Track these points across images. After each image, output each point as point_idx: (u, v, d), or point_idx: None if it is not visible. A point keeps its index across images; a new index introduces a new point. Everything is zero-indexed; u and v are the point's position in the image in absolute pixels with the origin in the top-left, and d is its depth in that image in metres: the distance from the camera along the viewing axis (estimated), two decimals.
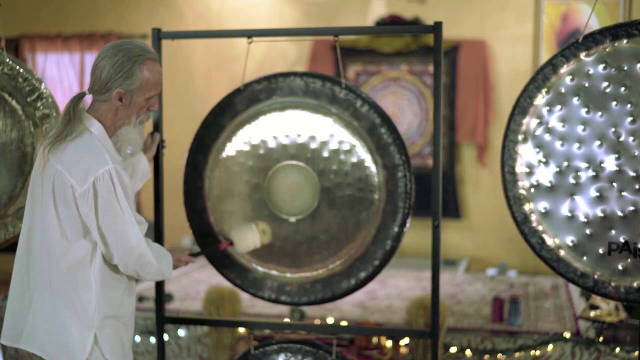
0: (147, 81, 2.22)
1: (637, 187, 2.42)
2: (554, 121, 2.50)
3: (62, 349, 2.19)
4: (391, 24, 6.10)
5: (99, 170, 2.12)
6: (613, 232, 2.45)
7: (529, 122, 2.52)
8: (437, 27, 2.55)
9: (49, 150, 2.16)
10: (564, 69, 2.48)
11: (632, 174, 2.42)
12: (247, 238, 2.70)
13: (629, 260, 2.44)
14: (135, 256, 2.20)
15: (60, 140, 2.16)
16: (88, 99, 2.27)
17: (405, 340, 3.81)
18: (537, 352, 3.69)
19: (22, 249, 2.27)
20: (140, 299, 4.41)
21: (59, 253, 2.17)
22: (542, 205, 2.52)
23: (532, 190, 2.53)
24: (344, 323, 3.96)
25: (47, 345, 2.21)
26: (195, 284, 4.99)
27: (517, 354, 3.69)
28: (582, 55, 2.46)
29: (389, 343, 3.78)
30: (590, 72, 2.45)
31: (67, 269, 2.17)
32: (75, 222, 2.16)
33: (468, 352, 3.76)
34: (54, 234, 2.17)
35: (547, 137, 2.51)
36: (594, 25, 5.26)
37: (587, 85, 2.45)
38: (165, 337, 3.89)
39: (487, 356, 3.73)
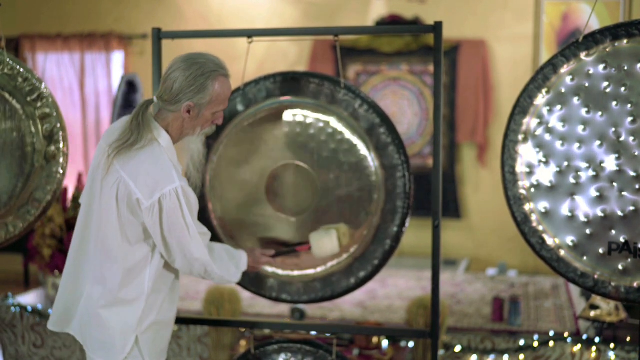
0: (217, 97, 2.23)
1: (637, 187, 2.42)
2: (554, 121, 2.49)
3: (102, 345, 2.25)
4: (391, 24, 6.10)
5: (165, 188, 2.14)
6: (613, 232, 2.45)
7: (529, 122, 2.52)
8: (437, 27, 2.55)
9: (114, 156, 2.17)
10: (564, 69, 2.48)
11: (632, 173, 2.42)
12: (325, 244, 2.63)
13: (629, 260, 2.43)
14: (198, 266, 2.28)
15: (128, 147, 2.17)
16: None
17: (405, 340, 3.81)
18: (537, 352, 3.69)
19: (77, 241, 2.30)
20: None
21: (120, 256, 2.21)
22: (543, 205, 2.52)
23: (533, 190, 2.53)
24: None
25: (88, 338, 2.27)
26: (195, 284, 5.00)
27: (517, 354, 3.69)
28: (583, 55, 2.46)
29: (389, 343, 3.78)
30: (591, 72, 2.45)
31: (124, 271, 2.22)
32: (136, 227, 2.20)
33: (468, 352, 3.76)
34: (114, 236, 2.20)
35: (547, 137, 2.50)
36: (594, 25, 5.26)
37: (587, 85, 2.45)
38: None
39: (487, 356, 3.73)
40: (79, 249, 2.29)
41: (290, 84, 2.72)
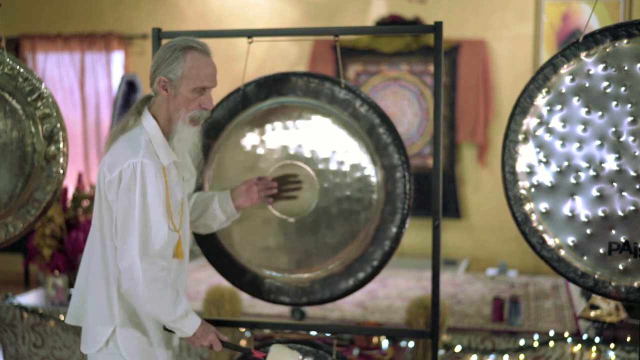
0: (189, 70, 2.21)
1: (637, 187, 2.41)
2: (554, 121, 2.49)
3: (86, 335, 2.30)
4: (391, 24, 6.10)
5: (126, 162, 2.15)
6: (613, 232, 2.45)
7: (530, 122, 2.52)
8: (437, 27, 2.54)
9: (109, 142, 2.25)
10: (564, 69, 2.48)
11: (632, 173, 2.42)
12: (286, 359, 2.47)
13: (630, 260, 2.43)
14: (127, 262, 2.15)
15: (118, 133, 2.24)
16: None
17: (405, 340, 3.81)
18: (537, 352, 3.69)
19: (90, 234, 2.33)
20: None
21: (98, 245, 2.25)
22: (543, 205, 2.52)
23: (533, 190, 2.53)
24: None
25: (83, 329, 2.33)
26: (196, 284, 4.99)
27: (517, 354, 3.69)
28: (583, 55, 2.46)
29: (389, 343, 3.78)
30: (591, 72, 2.45)
31: (101, 261, 2.24)
32: (110, 219, 2.21)
33: (468, 352, 3.76)
34: (95, 226, 2.25)
35: (547, 137, 2.50)
36: (595, 25, 5.26)
37: (587, 85, 2.45)
38: None
39: (487, 356, 3.73)
40: (90, 243, 2.33)
41: (290, 84, 2.72)
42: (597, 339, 3.64)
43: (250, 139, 2.76)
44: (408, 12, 6.17)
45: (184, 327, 2.22)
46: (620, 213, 2.43)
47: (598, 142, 2.45)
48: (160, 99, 2.26)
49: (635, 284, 2.44)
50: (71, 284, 4.46)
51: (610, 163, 2.44)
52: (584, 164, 2.46)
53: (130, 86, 5.19)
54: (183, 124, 2.25)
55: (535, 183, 2.52)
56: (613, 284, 2.46)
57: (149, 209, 2.16)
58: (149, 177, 2.15)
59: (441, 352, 3.75)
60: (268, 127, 2.75)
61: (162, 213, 2.18)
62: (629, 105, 2.41)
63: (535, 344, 3.69)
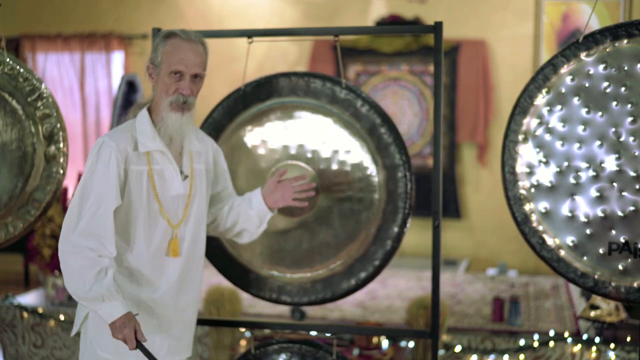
0: (167, 54, 2.24)
1: (637, 187, 2.41)
2: (554, 121, 2.49)
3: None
4: (391, 24, 6.10)
5: (99, 141, 2.22)
6: (613, 232, 2.45)
7: (530, 122, 2.52)
8: (437, 27, 2.55)
9: None
10: (564, 69, 2.48)
11: (632, 174, 2.42)
12: None
13: (629, 260, 2.43)
14: (63, 223, 2.17)
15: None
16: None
17: (405, 340, 3.81)
18: (537, 352, 3.69)
19: None
20: None
21: None
22: (543, 205, 2.52)
23: (533, 190, 2.53)
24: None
25: None
26: None
27: (517, 354, 3.69)
28: (583, 55, 2.46)
29: (389, 343, 3.78)
30: (591, 72, 2.45)
31: None
32: None
33: (468, 352, 3.76)
34: None
35: (547, 137, 2.50)
36: (595, 25, 5.26)
37: (587, 85, 2.45)
38: None
39: (487, 356, 3.73)
40: None
41: (290, 84, 2.72)
42: (597, 339, 3.64)
43: (251, 139, 2.76)
44: (408, 12, 6.17)
45: (101, 310, 2.12)
46: (620, 213, 2.43)
47: (598, 142, 2.45)
48: (155, 91, 2.32)
49: (635, 284, 2.44)
50: None
51: (610, 163, 2.44)
52: (584, 164, 2.46)
53: (130, 86, 5.19)
54: (166, 110, 2.26)
55: (535, 183, 2.52)
56: (613, 284, 2.46)
57: (92, 184, 2.17)
58: (103, 155, 2.18)
59: (441, 352, 3.76)
60: (269, 127, 2.75)
61: (112, 193, 2.17)
62: (629, 105, 2.41)
63: (535, 344, 3.69)
